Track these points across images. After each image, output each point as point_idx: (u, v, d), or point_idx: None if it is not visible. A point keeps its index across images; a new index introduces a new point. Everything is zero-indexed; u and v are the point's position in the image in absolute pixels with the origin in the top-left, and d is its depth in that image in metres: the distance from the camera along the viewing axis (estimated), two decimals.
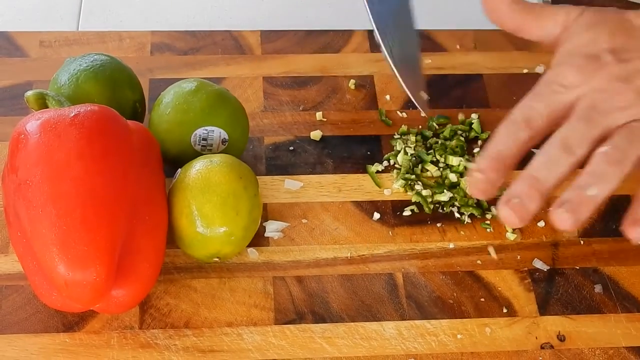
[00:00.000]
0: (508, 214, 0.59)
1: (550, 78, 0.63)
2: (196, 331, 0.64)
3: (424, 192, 0.71)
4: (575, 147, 0.60)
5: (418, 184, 0.72)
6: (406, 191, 0.72)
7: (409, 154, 0.73)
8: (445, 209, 0.71)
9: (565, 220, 0.57)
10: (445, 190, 0.71)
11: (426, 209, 0.71)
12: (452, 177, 0.72)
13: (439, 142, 0.74)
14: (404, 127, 0.75)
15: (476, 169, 0.62)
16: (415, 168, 0.73)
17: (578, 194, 0.58)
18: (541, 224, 0.71)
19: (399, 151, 0.73)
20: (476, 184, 0.61)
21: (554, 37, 0.65)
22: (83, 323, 0.64)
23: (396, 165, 0.73)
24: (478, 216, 0.71)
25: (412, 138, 0.74)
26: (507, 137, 0.61)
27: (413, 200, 0.71)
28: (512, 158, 0.61)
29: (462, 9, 0.89)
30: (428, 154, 0.73)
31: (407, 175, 0.72)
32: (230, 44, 0.82)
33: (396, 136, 0.75)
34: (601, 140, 0.60)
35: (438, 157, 0.73)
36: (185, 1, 0.88)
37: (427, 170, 0.73)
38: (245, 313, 0.65)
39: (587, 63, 0.62)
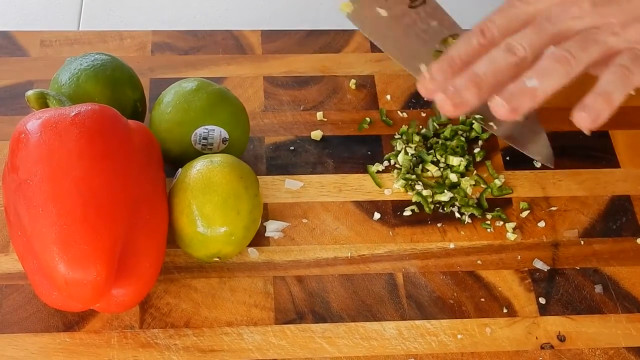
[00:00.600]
0: (442, 99, 0.62)
1: None
2: (196, 331, 0.64)
3: (425, 192, 0.71)
4: (517, 48, 0.63)
5: (418, 184, 0.72)
6: (406, 191, 0.72)
7: (409, 154, 0.73)
8: (445, 209, 0.71)
9: (500, 107, 0.60)
10: (445, 191, 0.71)
11: (426, 209, 0.71)
12: (453, 177, 0.72)
13: (440, 142, 0.74)
14: (404, 127, 0.75)
15: (430, 72, 0.65)
16: (415, 168, 0.73)
17: (518, 84, 0.61)
18: (542, 224, 0.71)
19: (400, 151, 0.73)
20: (424, 83, 0.64)
21: None
22: (83, 322, 0.64)
23: (397, 165, 0.73)
24: (478, 216, 0.71)
25: (415, 138, 0.74)
26: (460, 45, 0.65)
27: (413, 200, 0.71)
28: (460, 61, 0.64)
29: (462, 9, 0.89)
30: (428, 154, 0.73)
31: (407, 175, 0.72)
32: (231, 43, 0.82)
33: (397, 136, 0.75)
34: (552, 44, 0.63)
35: (438, 157, 0.73)
36: (186, 1, 0.88)
37: (428, 170, 0.73)
38: (246, 313, 0.65)
39: None
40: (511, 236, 0.70)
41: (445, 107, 0.62)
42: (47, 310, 0.64)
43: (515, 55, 0.63)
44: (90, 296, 0.58)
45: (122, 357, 0.62)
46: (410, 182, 0.72)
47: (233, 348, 0.63)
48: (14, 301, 0.65)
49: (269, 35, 0.83)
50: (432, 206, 0.71)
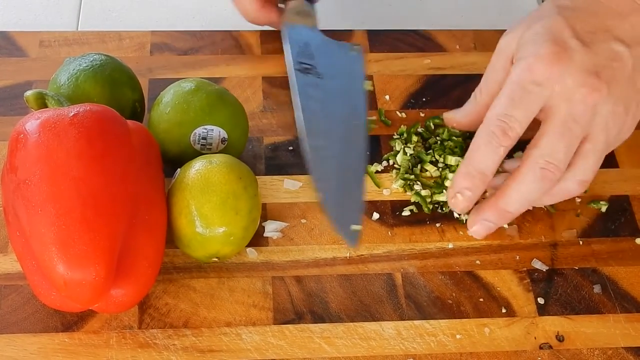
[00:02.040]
0: (460, 204, 0.65)
1: (521, 77, 0.62)
2: (195, 331, 0.64)
3: (423, 192, 0.71)
4: (554, 169, 0.62)
5: (417, 184, 0.72)
6: (405, 191, 0.72)
7: (408, 154, 0.73)
8: (444, 209, 0.71)
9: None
10: (444, 191, 0.71)
11: (425, 209, 0.71)
12: (451, 177, 0.72)
13: (438, 142, 0.74)
14: (403, 127, 0.75)
15: (458, 190, 0.65)
16: (414, 168, 0.73)
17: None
18: (540, 224, 0.71)
19: (398, 151, 0.73)
20: (458, 205, 0.66)
21: None
22: (82, 323, 0.64)
23: (395, 165, 0.73)
24: None
25: (414, 138, 0.74)
26: (487, 155, 0.63)
27: (412, 200, 0.71)
28: (492, 174, 0.64)
29: (462, 9, 0.89)
30: (427, 154, 0.73)
31: (406, 175, 0.72)
32: (230, 43, 0.82)
33: (395, 136, 0.75)
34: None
35: (437, 157, 0.73)
36: (185, 1, 0.88)
37: (427, 171, 0.73)
38: (244, 313, 0.65)
39: (555, 53, 0.62)
40: (508, 229, 0.70)
41: (463, 209, 0.66)
42: (46, 311, 0.64)
43: (553, 178, 0.63)
44: (89, 296, 0.58)
45: (121, 357, 0.62)
46: (409, 182, 0.72)
47: (232, 348, 0.63)
48: (13, 301, 0.65)
49: (267, 36, 0.83)
50: (430, 206, 0.71)
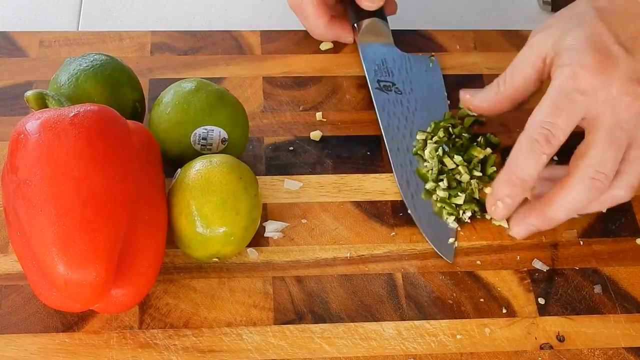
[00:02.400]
0: (500, 212, 0.65)
1: (565, 85, 0.62)
2: (196, 331, 0.64)
3: (442, 194, 0.70)
4: (603, 178, 0.62)
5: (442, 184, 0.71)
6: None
7: (435, 149, 0.72)
8: (463, 214, 0.70)
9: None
10: (459, 193, 0.70)
11: (448, 212, 0.70)
12: (465, 177, 0.71)
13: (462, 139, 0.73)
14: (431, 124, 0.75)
15: (498, 197, 0.64)
16: (443, 160, 0.72)
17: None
18: None
19: (424, 144, 0.73)
20: (498, 212, 0.65)
21: None
22: (82, 323, 0.64)
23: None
24: (478, 215, 0.70)
25: (440, 133, 0.73)
26: (529, 162, 0.63)
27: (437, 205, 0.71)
28: (533, 181, 0.63)
29: (462, 9, 0.89)
30: (452, 150, 0.72)
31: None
32: (230, 44, 0.82)
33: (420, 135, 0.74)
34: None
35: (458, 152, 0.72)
36: (185, 1, 0.88)
37: (455, 167, 0.71)
38: (245, 313, 0.65)
39: (599, 61, 0.62)
40: (495, 224, 0.70)
41: (502, 216, 0.66)
42: (46, 311, 0.64)
43: (602, 187, 0.62)
44: (90, 296, 0.58)
45: (121, 357, 0.62)
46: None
47: (232, 348, 0.63)
48: (13, 302, 0.65)
49: (268, 36, 0.83)
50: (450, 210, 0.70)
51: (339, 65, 0.81)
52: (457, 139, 0.73)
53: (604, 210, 0.70)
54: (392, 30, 0.82)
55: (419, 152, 0.73)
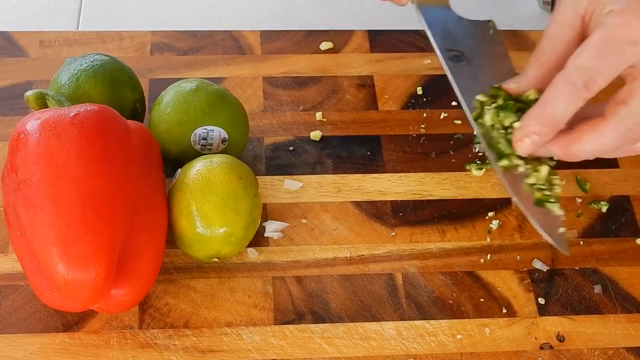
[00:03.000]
0: (526, 148, 0.61)
1: (616, 32, 0.59)
2: (196, 331, 0.64)
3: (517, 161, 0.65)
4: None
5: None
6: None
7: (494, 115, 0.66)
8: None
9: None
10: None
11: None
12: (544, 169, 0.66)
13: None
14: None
15: (526, 133, 0.61)
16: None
17: None
18: None
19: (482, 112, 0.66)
20: (524, 148, 0.61)
21: None
22: (82, 323, 0.64)
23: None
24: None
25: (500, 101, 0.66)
26: (564, 104, 0.60)
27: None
28: (564, 123, 0.60)
29: (462, 9, 0.89)
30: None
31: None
32: (230, 44, 0.82)
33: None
34: None
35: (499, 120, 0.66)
36: (186, 1, 0.88)
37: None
38: (245, 313, 0.65)
39: None
40: (495, 224, 0.70)
41: (528, 151, 0.62)
42: (46, 311, 0.64)
43: (634, 139, 0.60)
44: (90, 296, 0.58)
45: (122, 357, 0.62)
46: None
47: (232, 348, 0.63)
48: (13, 301, 0.65)
49: (268, 36, 0.83)
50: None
51: (339, 65, 0.81)
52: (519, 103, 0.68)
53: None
54: (391, 30, 0.82)
55: (478, 119, 0.66)
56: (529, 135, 0.62)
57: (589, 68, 0.59)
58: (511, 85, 0.66)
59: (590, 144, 0.61)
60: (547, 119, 0.61)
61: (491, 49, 0.73)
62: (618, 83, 0.60)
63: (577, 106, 0.60)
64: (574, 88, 0.59)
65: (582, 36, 0.63)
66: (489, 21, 0.75)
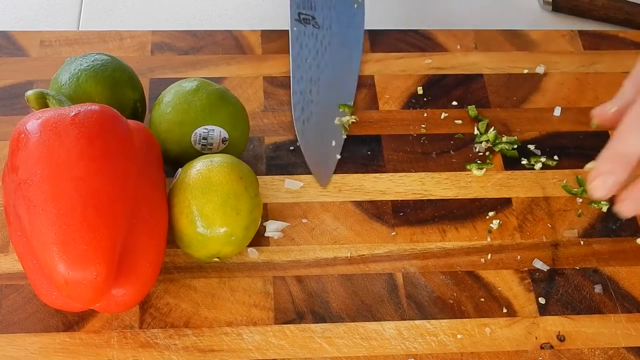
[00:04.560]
0: (600, 190, 0.58)
1: None
2: (196, 331, 0.64)
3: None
4: None
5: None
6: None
7: None
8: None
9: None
10: None
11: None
12: None
13: None
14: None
15: (600, 173, 0.58)
16: None
17: None
18: (541, 224, 0.71)
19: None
20: (599, 190, 0.59)
21: None
22: (83, 322, 0.64)
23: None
24: None
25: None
26: (634, 140, 0.58)
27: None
28: (637, 160, 0.58)
29: (462, 9, 0.89)
30: None
31: None
32: (230, 43, 0.82)
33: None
34: None
35: None
36: (186, 1, 0.88)
37: None
38: (245, 313, 0.65)
39: None
40: (495, 224, 0.70)
41: (604, 195, 0.59)
42: (46, 310, 0.64)
43: None
44: (90, 296, 0.58)
45: (122, 357, 0.62)
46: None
47: (233, 348, 0.63)
48: (14, 301, 0.65)
49: (268, 35, 0.83)
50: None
51: None
52: None
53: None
54: (391, 30, 0.82)
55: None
56: (603, 175, 0.59)
57: None
58: (607, 107, 0.63)
59: None
60: (618, 157, 0.58)
61: (346, 20, 0.80)
62: None
63: None
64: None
65: None
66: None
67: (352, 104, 0.77)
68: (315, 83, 0.76)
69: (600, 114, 0.63)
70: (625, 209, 0.59)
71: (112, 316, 0.64)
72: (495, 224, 0.71)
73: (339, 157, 0.73)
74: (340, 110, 0.75)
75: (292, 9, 0.79)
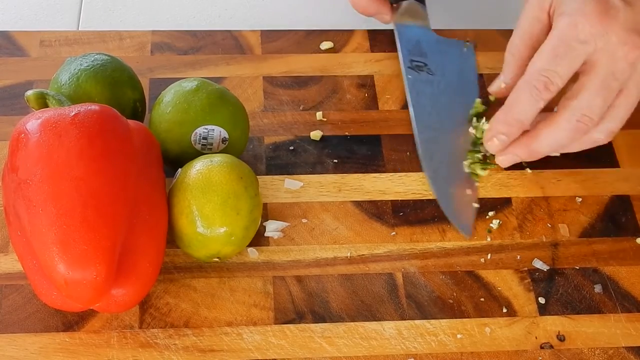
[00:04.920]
0: (495, 147, 0.69)
1: (565, 33, 0.64)
2: (196, 331, 0.64)
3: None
4: (589, 122, 0.65)
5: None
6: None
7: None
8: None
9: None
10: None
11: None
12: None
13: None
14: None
15: (495, 134, 0.68)
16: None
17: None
18: (541, 224, 0.71)
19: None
20: (494, 147, 0.69)
21: None
22: (83, 322, 0.64)
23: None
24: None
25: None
26: (528, 106, 0.66)
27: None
28: (529, 123, 0.67)
29: (462, 9, 0.89)
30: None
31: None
32: (230, 43, 0.82)
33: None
34: None
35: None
36: (186, 1, 0.88)
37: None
38: (245, 313, 0.65)
39: (599, 11, 0.64)
40: (495, 224, 0.70)
41: (497, 150, 0.70)
42: (46, 310, 0.64)
43: (586, 130, 0.66)
44: (90, 296, 0.58)
45: (122, 357, 0.62)
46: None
47: (233, 348, 0.63)
48: (14, 301, 0.65)
49: (268, 35, 0.83)
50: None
51: (339, 65, 0.81)
52: None
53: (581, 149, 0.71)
54: (391, 30, 0.82)
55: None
56: (497, 135, 0.68)
57: (546, 70, 0.65)
58: (496, 89, 0.73)
59: (546, 139, 0.67)
60: (512, 121, 0.67)
61: (459, 65, 0.79)
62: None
63: (539, 107, 0.66)
64: (535, 91, 0.65)
65: (548, 27, 0.68)
66: (466, 41, 0.81)
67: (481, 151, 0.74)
68: (437, 130, 0.74)
69: (496, 91, 0.72)
70: (503, 162, 0.70)
71: (112, 316, 0.64)
72: (495, 223, 0.71)
73: (477, 206, 0.71)
74: (468, 157, 0.73)
75: (404, 56, 0.78)
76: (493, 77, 0.76)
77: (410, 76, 0.76)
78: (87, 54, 0.71)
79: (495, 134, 0.68)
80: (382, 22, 0.81)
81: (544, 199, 0.72)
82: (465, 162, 0.73)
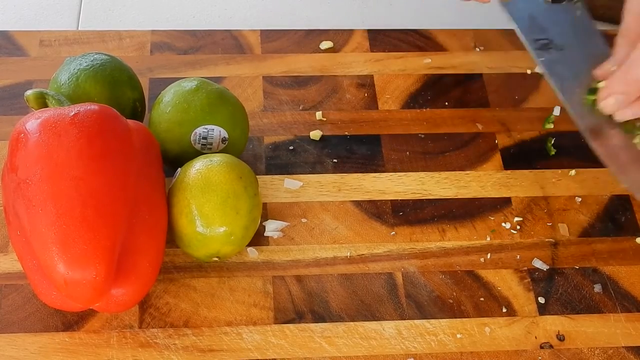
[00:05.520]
0: (611, 106, 0.66)
1: None
2: (196, 330, 0.64)
3: None
4: None
5: None
6: None
7: None
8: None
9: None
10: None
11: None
12: None
13: None
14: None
15: (612, 93, 0.65)
16: None
17: None
18: (541, 223, 0.71)
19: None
20: (609, 106, 0.66)
21: None
22: (82, 322, 0.64)
23: None
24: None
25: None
26: None
27: None
28: None
29: (462, 9, 0.89)
30: None
31: None
32: (230, 43, 0.82)
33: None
34: None
35: None
36: (186, 0, 0.88)
37: None
38: (245, 312, 0.65)
39: None
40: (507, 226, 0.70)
41: (613, 110, 0.67)
42: (46, 310, 0.64)
43: None
44: (90, 296, 0.58)
45: (122, 356, 0.62)
46: None
47: (232, 348, 0.63)
48: (13, 301, 0.65)
49: (268, 35, 0.83)
50: None
51: (339, 65, 0.81)
52: None
53: None
54: (391, 30, 0.82)
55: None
56: (613, 95, 0.66)
57: None
58: (603, 69, 0.69)
59: None
60: (631, 81, 0.65)
61: (579, 31, 0.75)
62: None
63: None
64: None
65: None
66: (576, 2, 0.76)
67: None
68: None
69: (604, 73, 0.68)
70: (608, 104, 0.67)
71: (111, 316, 0.64)
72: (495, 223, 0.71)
73: None
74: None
75: (527, 39, 0.73)
76: (493, 77, 0.77)
77: (542, 58, 0.71)
78: (87, 54, 0.71)
79: (611, 92, 0.66)
80: (481, 2, 0.76)
81: (543, 198, 0.72)
82: (636, 140, 0.69)
